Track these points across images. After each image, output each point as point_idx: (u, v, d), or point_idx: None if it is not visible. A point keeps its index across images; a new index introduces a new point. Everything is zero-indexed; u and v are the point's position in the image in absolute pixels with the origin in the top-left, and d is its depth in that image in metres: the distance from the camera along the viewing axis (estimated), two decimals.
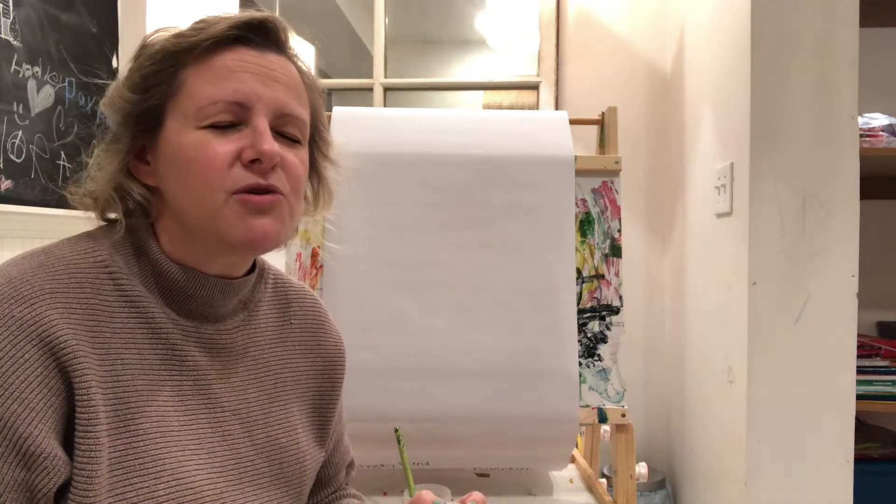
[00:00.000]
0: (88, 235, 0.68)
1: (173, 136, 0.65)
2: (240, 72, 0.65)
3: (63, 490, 0.58)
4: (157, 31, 0.68)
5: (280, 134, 0.67)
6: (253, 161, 0.63)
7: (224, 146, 0.63)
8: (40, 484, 0.56)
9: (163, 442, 0.63)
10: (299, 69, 0.71)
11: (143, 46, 0.67)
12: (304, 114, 0.69)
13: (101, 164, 0.68)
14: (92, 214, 0.70)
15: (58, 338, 0.58)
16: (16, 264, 0.61)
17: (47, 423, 0.57)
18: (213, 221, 0.64)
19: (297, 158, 0.68)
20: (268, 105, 0.65)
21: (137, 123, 0.67)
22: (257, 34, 0.67)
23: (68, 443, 0.59)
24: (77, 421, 0.58)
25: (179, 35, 0.65)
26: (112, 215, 0.69)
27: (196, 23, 0.66)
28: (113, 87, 0.68)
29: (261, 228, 0.64)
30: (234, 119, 0.64)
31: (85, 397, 0.58)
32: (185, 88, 0.65)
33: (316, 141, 0.76)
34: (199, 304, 0.69)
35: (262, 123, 0.64)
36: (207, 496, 0.65)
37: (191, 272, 0.67)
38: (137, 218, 0.68)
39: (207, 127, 0.64)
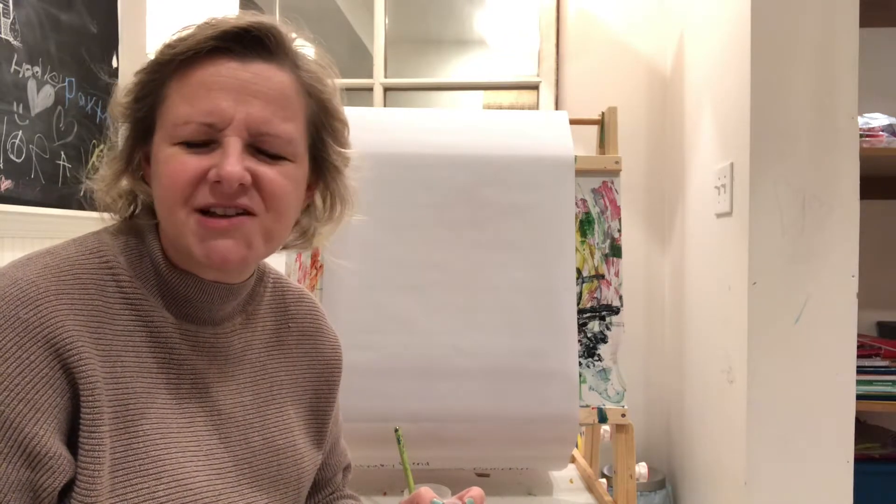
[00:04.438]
0: (94, 235, 0.68)
1: (156, 149, 0.65)
2: (215, 89, 0.62)
3: (66, 490, 0.59)
4: (184, 28, 0.66)
5: (262, 150, 0.64)
6: (217, 182, 0.62)
7: (192, 163, 0.62)
8: (45, 483, 0.56)
9: (162, 444, 0.63)
10: (298, 76, 0.68)
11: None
12: (291, 128, 0.66)
13: (106, 167, 0.69)
14: (98, 214, 0.70)
15: (63, 339, 0.58)
16: (22, 265, 0.61)
17: (52, 423, 0.57)
18: (178, 236, 0.64)
19: (278, 176, 0.64)
20: (240, 124, 0.62)
21: (135, 131, 0.67)
22: (240, 43, 0.64)
23: (72, 443, 0.59)
24: (82, 421, 0.59)
25: (167, 45, 0.64)
26: (120, 215, 0.69)
27: (187, 29, 0.65)
28: (114, 93, 0.68)
29: (219, 252, 0.63)
30: (208, 137, 0.63)
31: (90, 398, 0.59)
32: (167, 103, 0.64)
33: (322, 149, 0.72)
34: (197, 308, 0.69)
35: (233, 144, 0.62)
36: (207, 498, 0.65)
37: (189, 276, 0.68)
38: (144, 219, 0.69)
39: (181, 143, 0.63)
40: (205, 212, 0.63)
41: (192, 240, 0.63)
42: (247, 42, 0.65)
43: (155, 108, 0.65)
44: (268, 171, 0.64)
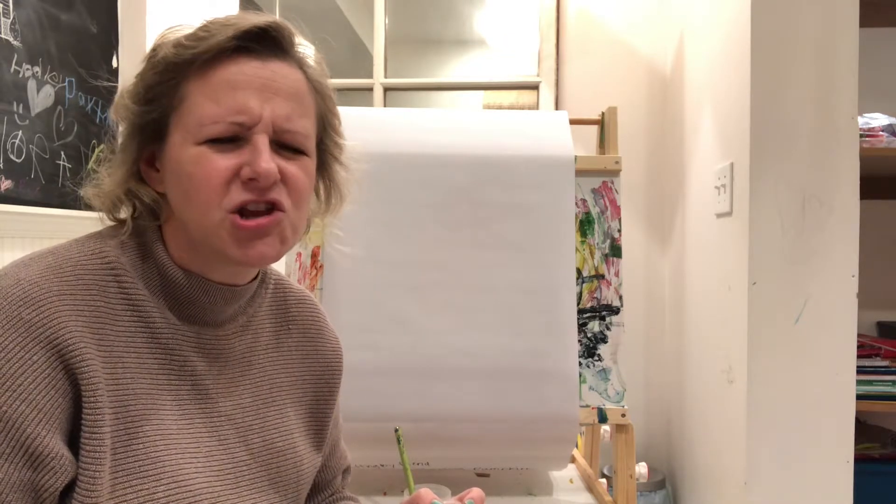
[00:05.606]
0: (97, 236, 0.68)
1: (175, 150, 0.65)
2: (241, 88, 0.63)
3: (67, 490, 0.59)
4: (169, 29, 0.66)
5: (282, 145, 0.66)
6: (251, 179, 0.63)
7: (223, 162, 0.63)
8: (47, 483, 0.56)
9: (162, 445, 0.63)
10: (306, 73, 0.69)
11: (152, 50, 0.66)
12: (307, 124, 0.68)
13: (110, 171, 0.69)
14: (99, 214, 0.70)
15: (66, 340, 0.58)
16: (24, 266, 0.61)
17: (54, 424, 0.57)
18: (211, 238, 0.64)
19: (300, 171, 0.66)
20: (267, 121, 0.64)
21: (143, 133, 0.67)
22: (259, 42, 0.65)
23: (73, 444, 0.59)
24: (83, 422, 0.59)
25: (180, 45, 0.64)
26: (121, 216, 0.69)
27: (198, 30, 0.65)
28: (118, 95, 0.68)
29: (257, 252, 0.64)
30: (235, 135, 0.63)
31: (92, 399, 0.59)
32: (187, 103, 0.64)
33: (325, 144, 0.74)
34: (200, 310, 0.69)
35: (262, 141, 0.63)
36: (206, 499, 0.65)
37: (195, 278, 0.68)
38: (146, 220, 0.69)
39: (207, 142, 0.63)
40: (240, 212, 0.63)
41: (228, 242, 0.63)
42: (264, 41, 0.66)
43: (171, 109, 0.65)
44: (291, 167, 0.66)
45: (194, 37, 0.64)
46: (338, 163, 0.76)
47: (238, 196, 0.63)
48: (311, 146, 0.69)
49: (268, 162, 0.63)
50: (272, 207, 0.64)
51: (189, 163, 0.63)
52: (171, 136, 0.65)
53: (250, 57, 0.65)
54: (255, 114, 0.63)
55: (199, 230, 0.65)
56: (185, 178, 0.64)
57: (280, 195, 0.65)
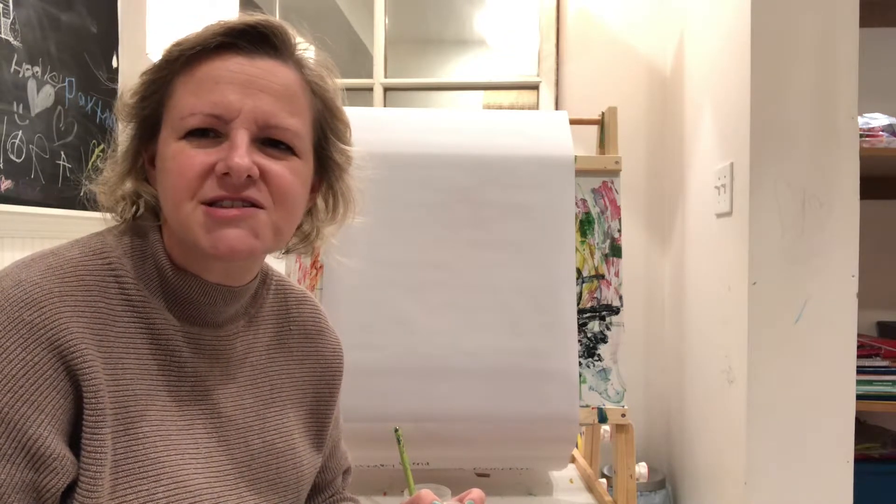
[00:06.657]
0: (97, 236, 0.68)
1: (162, 145, 0.65)
2: (223, 82, 0.63)
3: (68, 491, 0.59)
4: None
5: (270, 143, 0.65)
6: (225, 174, 0.62)
7: (200, 158, 0.62)
8: (48, 484, 0.56)
9: (162, 446, 0.63)
10: (303, 74, 0.68)
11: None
12: (296, 123, 0.66)
13: (110, 169, 0.69)
14: (99, 214, 0.70)
15: (67, 341, 0.58)
16: (25, 267, 0.61)
17: (55, 425, 0.57)
18: (185, 230, 0.63)
19: (284, 170, 0.65)
20: (248, 117, 0.62)
21: (140, 130, 0.67)
22: (247, 40, 0.65)
23: (74, 444, 0.59)
24: (84, 423, 0.59)
25: (175, 43, 0.65)
26: (125, 215, 0.69)
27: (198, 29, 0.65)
28: (120, 94, 0.68)
29: (227, 241, 0.62)
30: (215, 130, 0.63)
31: (93, 400, 0.59)
32: (173, 98, 0.65)
33: (327, 149, 0.72)
34: (200, 310, 0.68)
35: (240, 136, 0.62)
36: (206, 499, 0.65)
37: (193, 278, 0.67)
38: (147, 220, 0.69)
39: (187, 137, 0.63)
40: (212, 204, 0.62)
41: (198, 231, 0.62)
42: (253, 39, 0.65)
43: (161, 104, 0.66)
44: (275, 166, 0.64)
45: (187, 36, 0.65)
46: (341, 169, 0.74)
47: (210, 192, 0.62)
48: (302, 146, 0.67)
49: (242, 157, 0.61)
50: (250, 205, 0.63)
51: (169, 158, 0.63)
52: (161, 132, 0.66)
53: (237, 53, 0.64)
54: (234, 108, 0.62)
55: (176, 223, 0.64)
56: (165, 173, 0.64)
57: (257, 194, 0.63)
